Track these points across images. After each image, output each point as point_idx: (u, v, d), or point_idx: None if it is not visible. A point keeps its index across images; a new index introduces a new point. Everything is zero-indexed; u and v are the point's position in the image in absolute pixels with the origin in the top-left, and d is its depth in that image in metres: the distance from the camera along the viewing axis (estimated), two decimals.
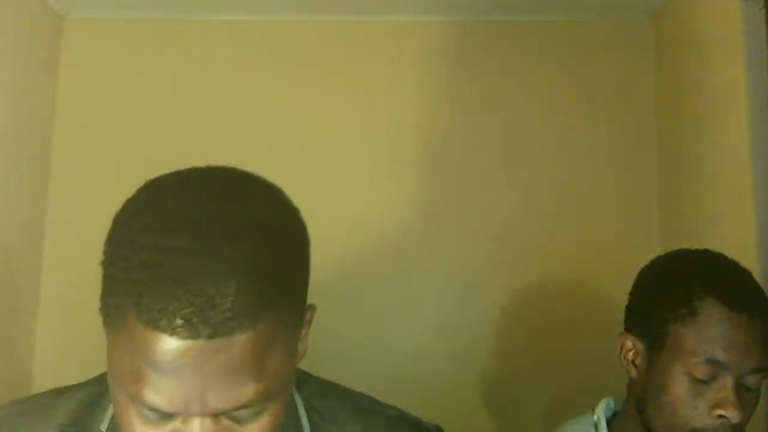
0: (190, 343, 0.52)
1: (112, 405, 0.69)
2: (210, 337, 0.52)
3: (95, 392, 0.72)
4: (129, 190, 0.62)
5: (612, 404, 1.05)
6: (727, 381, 0.87)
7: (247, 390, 0.55)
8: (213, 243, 0.54)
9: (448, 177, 1.71)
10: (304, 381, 0.77)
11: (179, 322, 0.52)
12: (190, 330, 0.52)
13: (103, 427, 0.70)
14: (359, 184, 1.71)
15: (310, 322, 0.67)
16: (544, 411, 1.60)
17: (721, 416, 0.87)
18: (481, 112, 1.73)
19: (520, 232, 1.69)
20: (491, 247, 1.69)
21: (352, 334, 1.66)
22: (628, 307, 1.01)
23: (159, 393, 0.54)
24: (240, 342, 0.53)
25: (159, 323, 0.52)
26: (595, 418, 1.03)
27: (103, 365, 0.71)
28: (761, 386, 0.91)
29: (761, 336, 0.88)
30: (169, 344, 0.53)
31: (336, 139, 1.72)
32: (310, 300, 1.56)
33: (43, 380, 1.57)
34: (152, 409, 0.55)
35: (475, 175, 1.71)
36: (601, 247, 1.68)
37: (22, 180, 1.60)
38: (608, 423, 1.03)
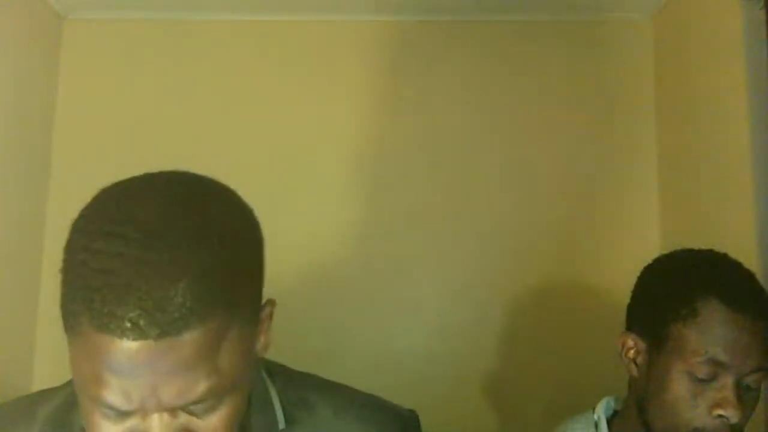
0: (140, 343, 0.55)
1: None
2: (158, 337, 0.55)
3: (74, 392, 0.73)
4: None
5: (612, 403, 1.06)
6: (728, 381, 0.87)
7: (199, 386, 0.58)
8: (161, 249, 0.57)
9: (448, 177, 1.71)
10: (278, 373, 0.78)
11: (127, 325, 0.55)
12: (138, 332, 0.55)
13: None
14: (359, 183, 1.71)
15: (270, 316, 0.70)
16: (544, 411, 1.60)
17: (720, 416, 0.87)
18: (482, 112, 1.73)
19: (521, 232, 1.69)
20: (491, 247, 1.69)
21: (352, 334, 1.66)
22: (630, 306, 1.01)
23: (116, 393, 0.57)
24: (189, 340, 0.56)
25: (109, 326, 0.55)
26: (596, 417, 1.03)
27: None
28: (761, 386, 0.91)
29: (762, 337, 0.88)
30: (120, 346, 0.56)
31: (338, 138, 1.72)
32: (311, 299, 1.57)
33: (43, 380, 1.57)
34: (112, 408, 0.58)
35: (475, 176, 1.71)
36: (601, 247, 1.68)
37: (22, 180, 1.60)
38: (609, 422, 1.03)
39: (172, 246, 0.57)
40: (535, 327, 1.65)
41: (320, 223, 1.68)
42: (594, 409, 1.05)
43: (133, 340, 0.55)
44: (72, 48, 1.74)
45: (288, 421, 0.74)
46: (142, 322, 0.55)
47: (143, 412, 0.59)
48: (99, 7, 1.73)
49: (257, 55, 1.75)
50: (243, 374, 0.62)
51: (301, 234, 1.67)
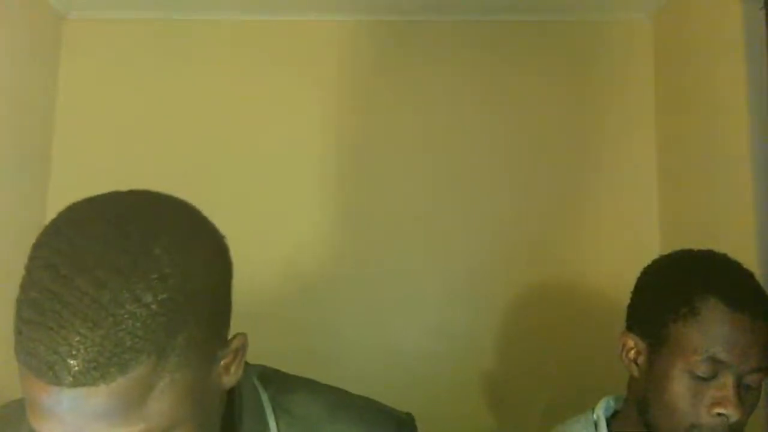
0: (56, 388, 0.54)
1: None
2: (72, 385, 0.53)
3: None
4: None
5: (612, 403, 1.06)
6: (728, 380, 0.88)
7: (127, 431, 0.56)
8: (85, 288, 0.54)
9: (447, 177, 1.71)
10: (271, 378, 0.77)
11: (43, 368, 0.53)
12: (53, 377, 0.53)
13: None
14: (360, 183, 1.71)
15: (239, 351, 0.67)
16: (544, 411, 1.60)
17: (720, 414, 0.87)
18: (481, 112, 1.73)
19: (521, 232, 1.69)
20: (491, 247, 1.69)
21: (352, 334, 1.66)
22: (630, 306, 1.01)
23: (43, 427, 0.56)
24: (108, 389, 0.54)
25: (29, 365, 0.54)
26: (595, 416, 1.03)
27: None
28: (762, 385, 0.91)
29: (762, 336, 0.89)
30: (39, 386, 0.54)
31: (341, 136, 1.72)
32: (309, 300, 1.56)
33: None
34: None
35: (474, 176, 1.71)
36: (601, 247, 1.68)
37: (22, 180, 1.60)
38: (608, 422, 1.03)
39: (99, 287, 0.53)
40: (535, 327, 1.65)
41: (319, 223, 1.68)
42: (593, 409, 1.05)
43: (50, 383, 0.54)
44: (72, 48, 1.74)
45: (280, 426, 0.73)
46: (57, 368, 0.53)
47: None
48: (99, 7, 1.73)
49: (259, 55, 1.74)
50: (187, 414, 0.59)
51: (299, 234, 1.67)
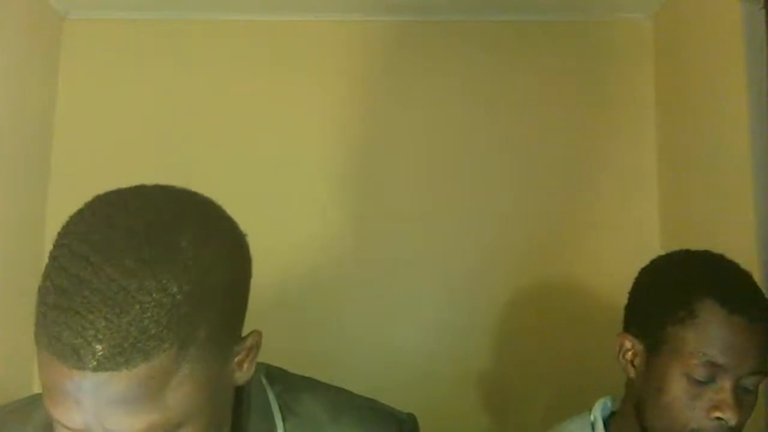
0: (79, 372, 0.55)
1: None
2: (95, 369, 0.54)
3: None
4: None
5: (609, 404, 1.05)
6: (726, 383, 0.87)
7: (144, 420, 0.56)
8: (114, 277, 0.55)
9: (447, 177, 1.71)
10: (276, 377, 0.78)
11: (68, 351, 0.54)
12: (77, 361, 0.54)
13: None
14: (358, 183, 1.71)
15: (252, 348, 0.68)
16: (544, 411, 1.60)
17: (718, 418, 0.87)
18: (480, 112, 1.73)
19: (521, 231, 1.69)
20: (489, 247, 1.69)
21: (352, 333, 1.66)
22: (627, 308, 1.01)
23: (62, 412, 0.57)
24: (130, 376, 0.55)
25: (53, 349, 0.55)
26: (592, 417, 1.03)
27: None
28: (759, 388, 0.91)
29: (760, 339, 0.88)
30: (61, 370, 0.55)
31: (339, 137, 1.72)
32: (308, 299, 1.57)
33: None
34: (61, 424, 0.58)
35: (473, 175, 1.71)
36: (601, 247, 1.67)
37: (22, 180, 1.60)
38: (605, 423, 1.02)
39: (127, 275, 0.55)
40: (534, 327, 1.65)
41: (318, 223, 1.68)
42: (590, 409, 1.04)
43: (72, 368, 0.54)
44: (72, 48, 1.74)
45: (286, 425, 0.74)
46: (81, 352, 0.54)
47: None
48: (99, 7, 1.73)
49: (259, 55, 1.74)
50: (201, 408, 0.60)
51: (299, 233, 1.67)
